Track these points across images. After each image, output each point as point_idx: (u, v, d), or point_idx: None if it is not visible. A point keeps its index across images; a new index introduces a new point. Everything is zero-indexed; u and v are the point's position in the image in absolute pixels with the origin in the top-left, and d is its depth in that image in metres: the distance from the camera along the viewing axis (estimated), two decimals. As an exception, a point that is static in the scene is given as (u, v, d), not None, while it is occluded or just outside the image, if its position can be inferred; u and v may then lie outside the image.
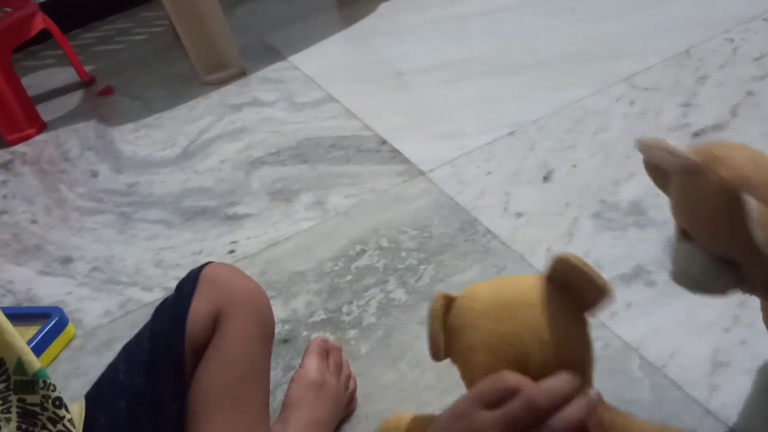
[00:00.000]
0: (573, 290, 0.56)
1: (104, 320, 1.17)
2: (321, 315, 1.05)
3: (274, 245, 1.24)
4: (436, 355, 0.61)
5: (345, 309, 1.05)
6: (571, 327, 0.57)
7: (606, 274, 0.94)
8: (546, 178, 1.19)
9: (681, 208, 0.60)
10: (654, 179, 0.65)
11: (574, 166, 1.20)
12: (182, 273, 0.82)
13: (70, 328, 1.14)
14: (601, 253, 1.00)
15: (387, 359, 0.94)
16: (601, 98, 1.37)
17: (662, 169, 0.61)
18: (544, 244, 1.05)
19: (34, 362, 0.60)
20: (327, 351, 0.90)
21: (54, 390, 0.61)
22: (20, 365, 0.59)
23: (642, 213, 1.05)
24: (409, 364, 0.92)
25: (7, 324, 0.59)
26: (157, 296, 1.19)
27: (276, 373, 0.96)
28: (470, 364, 0.58)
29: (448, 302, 0.61)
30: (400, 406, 0.86)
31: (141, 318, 1.13)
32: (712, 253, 0.59)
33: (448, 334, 0.60)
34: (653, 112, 1.27)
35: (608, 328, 0.87)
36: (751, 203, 0.52)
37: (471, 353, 0.58)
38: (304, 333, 1.02)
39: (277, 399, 0.90)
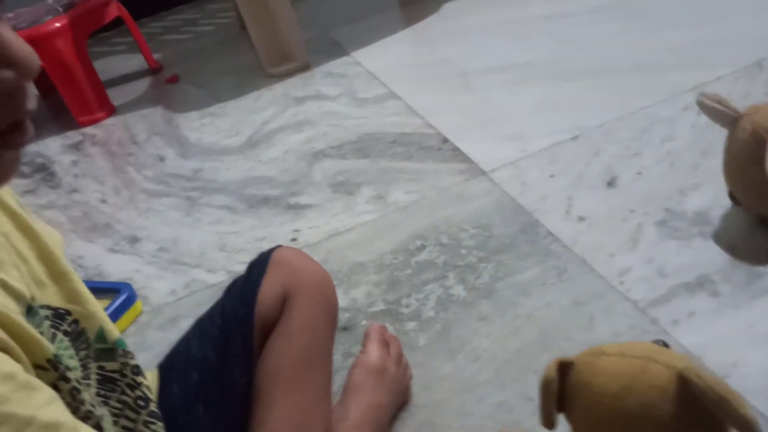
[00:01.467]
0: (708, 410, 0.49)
1: (170, 298, 1.21)
2: (380, 306, 1.07)
3: (336, 236, 1.27)
4: (548, 425, 0.57)
5: (404, 301, 1.07)
6: None
7: (669, 283, 0.95)
8: (610, 184, 1.19)
9: (725, 165, 0.61)
10: None
11: (639, 173, 1.20)
12: (246, 258, 0.85)
13: (138, 304, 1.18)
14: (665, 261, 1.00)
15: (445, 352, 0.95)
16: (668, 107, 1.36)
17: None
18: (606, 249, 1.05)
19: (114, 331, 0.63)
20: (386, 340, 0.93)
21: (132, 358, 0.64)
22: (101, 334, 0.62)
23: (708, 223, 1.04)
24: (467, 358, 0.94)
25: (90, 295, 0.62)
26: (221, 278, 1.23)
27: (336, 359, 0.97)
28: (577, 429, 0.56)
29: (564, 368, 0.57)
30: (457, 398, 0.88)
31: (205, 298, 1.18)
32: (751, 213, 0.59)
33: (565, 391, 0.56)
34: (722, 123, 1.25)
35: (670, 335, 0.87)
36: None
37: (583, 425, 0.55)
38: (364, 322, 1.05)
39: (336, 383, 0.92)
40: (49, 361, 0.49)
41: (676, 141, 1.26)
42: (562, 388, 0.56)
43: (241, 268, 0.84)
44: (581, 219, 1.13)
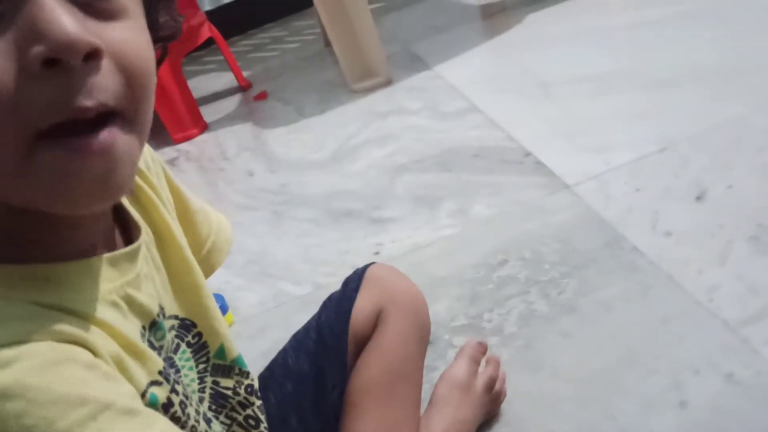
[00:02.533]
0: None
1: (259, 310, 1.26)
2: (462, 320, 1.08)
3: (417, 249, 1.28)
4: None
5: (486, 316, 1.07)
6: None
7: (762, 301, 0.92)
8: (699, 198, 1.16)
9: None
10: None
11: (730, 186, 1.16)
12: (330, 270, 0.88)
13: (230, 315, 1.24)
14: (758, 279, 0.96)
15: (527, 367, 0.95)
16: (761, 116, 1.31)
17: None
18: (694, 265, 1.03)
19: (234, 350, 0.66)
20: (482, 358, 0.92)
21: (248, 378, 0.67)
22: (221, 351, 0.65)
23: (804, 239, 1.00)
24: (549, 374, 0.93)
25: (217, 311, 0.65)
26: (306, 290, 1.26)
27: (418, 373, 0.99)
28: None
29: None
30: (539, 415, 0.88)
31: (291, 310, 1.22)
32: None
33: None
34: (821, 133, 1.20)
35: (761, 355, 0.84)
36: None
37: None
38: (446, 336, 1.06)
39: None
40: (160, 373, 0.52)
41: (770, 152, 1.21)
42: None
43: (324, 280, 0.87)
44: (668, 234, 1.11)
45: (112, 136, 0.42)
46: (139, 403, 0.45)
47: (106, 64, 0.42)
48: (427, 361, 1.01)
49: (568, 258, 1.13)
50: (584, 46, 1.91)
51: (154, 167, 0.65)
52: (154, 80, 0.48)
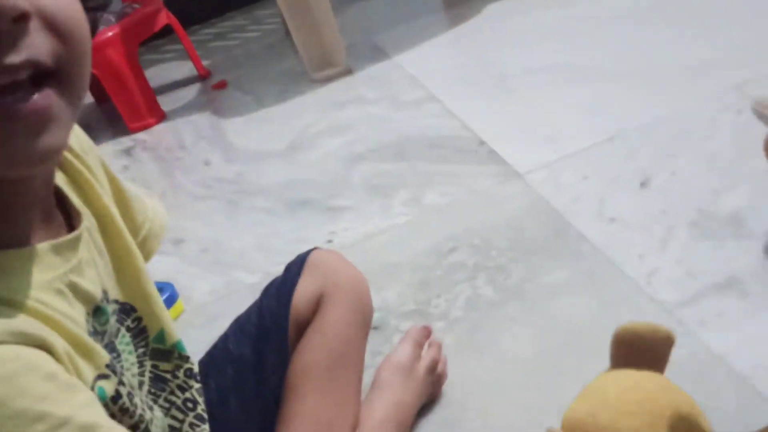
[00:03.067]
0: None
1: (210, 298, 1.26)
2: (410, 306, 1.09)
3: (370, 237, 1.29)
4: None
5: (433, 302, 1.08)
6: None
7: (698, 284, 0.94)
8: (643, 185, 1.19)
9: None
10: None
11: (674, 174, 1.19)
12: (284, 258, 0.88)
13: (180, 303, 1.23)
14: (695, 263, 0.99)
15: (471, 352, 0.97)
16: (707, 107, 1.34)
17: None
18: (636, 250, 1.05)
19: (174, 335, 0.66)
20: (425, 342, 0.93)
21: (188, 362, 0.67)
22: (161, 335, 0.65)
23: (741, 224, 1.03)
24: (492, 358, 0.95)
25: (158, 297, 0.65)
26: (259, 279, 1.26)
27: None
28: None
29: None
30: (482, 398, 0.89)
31: (244, 298, 1.20)
32: None
33: None
34: (761, 123, 1.23)
35: (696, 336, 0.87)
36: None
37: None
38: (394, 322, 1.07)
39: (364, 381, 0.95)
40: (107, 366, 0.52)
41: (714, 141, 1.24)
42: None
43: (278, 269, 0.87)
44: (612, 220, 1.13)
45: (45, 98, 0.44)
46: (96, 413, 0.45)
47: (37, 25, 0.43)
48: (373, 346, 1.03)
49: (516, 245, 1.15)
50: (543, 38, 1.93)
51: (91, 152, 0.65)
52: (88, 44, 0.49)
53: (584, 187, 1.23)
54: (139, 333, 0.62)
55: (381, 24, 2.40)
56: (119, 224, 0.62)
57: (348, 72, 2.06)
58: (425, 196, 1.36)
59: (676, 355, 0.86)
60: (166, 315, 0.65)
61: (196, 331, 1.18)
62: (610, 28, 1.84)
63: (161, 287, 1.23)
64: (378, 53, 2.14)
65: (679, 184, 1.16)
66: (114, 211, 0.62)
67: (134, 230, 0.69)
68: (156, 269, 1.39)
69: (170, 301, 1.21)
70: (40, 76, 0.44)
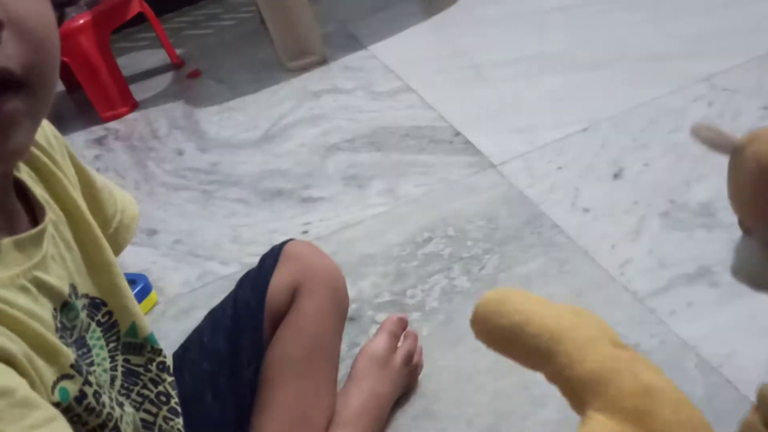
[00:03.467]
0: None
1: (184, 289, 1.25)
2: (386, 297, 1.09)
3: (346, 228, 1.29)
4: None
5: (409, 292, 1.09)
6: None
7: (669, 274, 0.96)
8: (616, 176, 1.20)
9: (733, 195, 0.60)
10: None
11: (646, 164, 1.20)
12: (258, 249, 0.88)
13: (153, 295, 1.22)
14: (667, 253, 1.00)
15: (447, 342, 0.97)
16: (678, 98, 1.36)
17: None
18: (609, 240, 1.06)
19: (146, 328, 0.66)
20: (402, 333, 0.93)
21: (160, 355, 0.67)
22: (133, 329, 0.64)
23: (711, 214, 1.04)
24: (467, 348, 0.95)
25: (128, 291, 0.64)
26: (233, 270, 1.26)
27: (341, 348, 1.00)
28: None
29: None
30: (456, 387, 0.90)
31: (218, 289, 1.21)
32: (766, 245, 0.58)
33: None
34: (731, 114, 1.25)
35: (667, 325, 0.88)
36: None
37: None
38: (369, 313, 1.07)
39: (341, 372, 0.95)
40: (72, 366, 0.51)
41: (684, 132, 1.25)
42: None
43: (252, 260, 0.87)
44: (586, 211, 1.14)
45: (8, 104, 0.44)
46: (56, 428, 0.43)
47: (9, 35, 0.44)
48: (349, 337, 1.03)
49: (491, 235, 1.15)
50: (517, 28, 1.93)
51: (58, 145, 0.64)
52: (58, 53, 0.49)
53: (558, 178, 1.24)
54: (110, 327, 0.62)
55: (356, 13, 2.38)
56: (87, 217, 0.61)
57: (323, 61, 2.05)
58: (400, 186, 1.37)
59: (647, 343, 0.87)
60: (137, 308, 0.65)
61: (170, 323, 1.18)
62: (584, 17, 1.85)
63: (134, 279, 1.22)
64: (353, 43, 2.13)
65: (652, 174, 1.18)
66: (82, 203, 0.61)
67: (105, 222, 0.69)
68: (129, 260, 1.39)
69: (143, 293, 1.20)
70: (7, 82, 0.44)
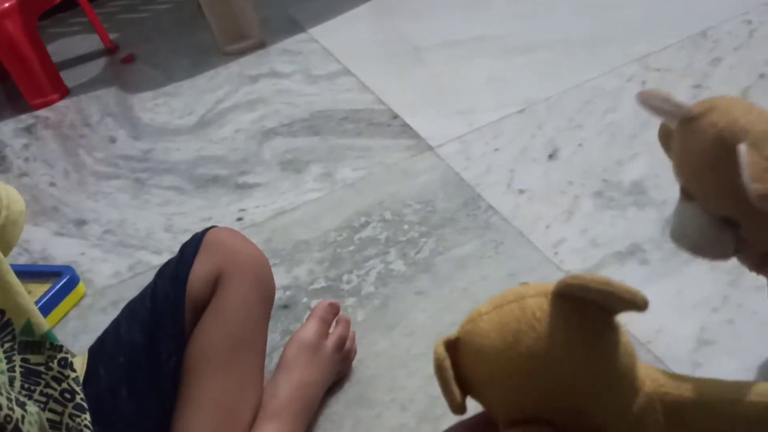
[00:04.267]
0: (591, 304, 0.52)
1: (114, 281, 1.21)
2: (321, 283, 1.07)
3: (281, 214, 1.26)
4: (457, 408, 0.54)
5: (345, 278, 1.07)
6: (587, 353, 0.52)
7: (601, 252, 0.96)
8: (551, 157, 1.20)
9: (679, 162, 0.60)
10: (662, 141, 0.64)
11: (580, 145, 1.21)
12: (191, 238, 0.84)
13: (81, 287, 1.18)
14: (599, 232, 1.00)
15: (382, 327, 0.96)
16: (612, 78, 1.37)
17: (670, 129, 0.61)
18: (543, 221, 1.06)
19: (43, 325, 0.62)
20: (333, 319, 0.90)
21: (61, 351, 0.64)
22: (28, 327, 0.61)
23: (643, 193, 1.05)
24: (402, 332, 0.94)
25: (20, 287, 0.61)
26: (165, 259, 1.21)
27: (274, 337, 0.98)
28: (487, 399, 0.56)
29: (451, 346, 0.57)
30: (390, 372, 0.89)
31: (149, 280, 1.16)
32: (711, 212, 0.58)
33: (461, 369, 0.56)
34: (664, 94, 1.26)
35: (598, 304, 0.88)
36: (742, 148, 0.52)
37: (494, 392, 0.54)
38: (304, 299, 1.05)
39: (273, 362, 0.93)
40: None
41: (618, 113, 1.26)
42: (458, 367, 0.55)
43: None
44: (521, 192, 1.14)
45: None
46: None
47: None
48: (283, 325, 1.01)
49: (427, 218, 1.14)
50: (458, 11, 1.92)
51: None
52: None
53: (494, 159, 1.23)
54: (3, 327, 0.59)
55: (296, -4, 2.34)
56: None
57: (261, 45, 2.00)
58: (338, 171, 1.34)
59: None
60: (32, 306, 0.62)
61: (99, 316, 1.14)
62: (523, 1, 1.85)
63: (59, 271, 1.17)
64: (292, 26, 2.09)
65: (585, 154, 1.18)
66: None
67: None
68: (56, 252, 1.34)
69: (70, 286, 1.15)
70: None
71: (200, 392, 0.72)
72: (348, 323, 0.91)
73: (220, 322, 0.75)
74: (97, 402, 0.69)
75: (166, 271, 0.79)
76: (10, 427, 0.51)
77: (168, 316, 0.75)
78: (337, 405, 0.87)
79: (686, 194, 0.61)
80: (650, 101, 0.59)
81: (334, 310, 0.90)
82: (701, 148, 0.57)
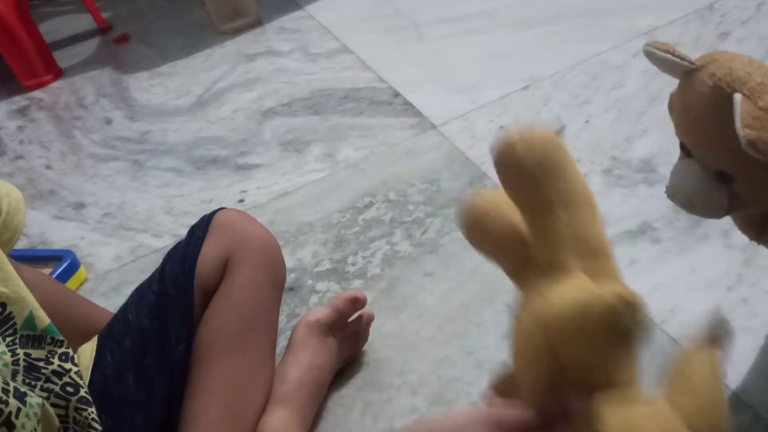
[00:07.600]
0: None
1: (115, 265, 1.19)
2: (326, 265, 1.06)
3: (284, 195, 1.24)
4: None
5: (350, 260, 1.05)
6: None
7: (611, 231, 0.94)
8: (558, 134, 1.18)
9: (679, 117, 0.59)
10: (671, 113, 0.63)
11: (587, 121, 1.19)
12: (192, 220, 0.83)
13: (82, 271, 1.16)
14: (609, 210, 0.99)
15: (389, 309, 0.94)
16: (619, 53, 1.34)
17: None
18: (551, 199, 1.04)
19: (44, 318, 0.61)
20: (351, 314, 0.86)
21: (62, 346, 0.62)
22: (30, 320, 0.59)
23: (652, 170, 1.03)
24: (410, 315, 0.93)
25: (19, 279, 0.60)
26: (166, 242, 1.20)
27: (280, 320, 0.96)
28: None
29: None
30: (399, 355, 0.87)
31: (150, 263, 1.15)
32: (707, 166, 0.58)
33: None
34: (671, 69, 1.24)
35: (611, 284, 0.87)
36: (737, 97, 0.52)
37: None
38: (309, 282, 1.03)
39: (280, 345, 0.91)
40: None
41: (625, 88, 1.24)
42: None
43: (186, 232, 0.82)
44: (528, 170, 1.12)
45: None
46: None
47: None
48: (289, 308, 0.99)
49: (432, 198, 1.12)
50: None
51: None
52: None
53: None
54: (4, 321, 0.57)
55: (292, -27, 2.30)
56: None
57: (258, 23, 1.97)
58: (339, 150, 1.32)
59: (591, 303, 0.86)
60: (33, 299, 0.60)
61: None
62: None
63: (60, 255, 1.15)
64: (289, 3, 2.05)
65: (593, 131, 1.16)
66: None
67: None
68: (55, 236, 1.32)
69: (71, 270, 1.14)
70: None
71: (211, 377, 0.71)
72: (369, 316, 0.87)
73: (231, 305, 0.73)
74: (104, 389, 0.68)
75: (175, 254, 0.77)
76: (1, 419, 0.49)
77: (177, 300, 0.73)
78: (347, 389, 0.85)
79: (685, 151, 0.60)
80: (655, 53, 0.58)
81: (355, 305, 0.86)
82: (699, 99, 0.57)
